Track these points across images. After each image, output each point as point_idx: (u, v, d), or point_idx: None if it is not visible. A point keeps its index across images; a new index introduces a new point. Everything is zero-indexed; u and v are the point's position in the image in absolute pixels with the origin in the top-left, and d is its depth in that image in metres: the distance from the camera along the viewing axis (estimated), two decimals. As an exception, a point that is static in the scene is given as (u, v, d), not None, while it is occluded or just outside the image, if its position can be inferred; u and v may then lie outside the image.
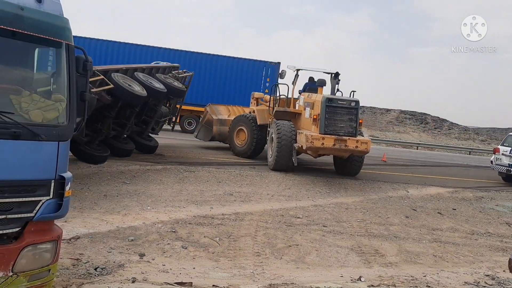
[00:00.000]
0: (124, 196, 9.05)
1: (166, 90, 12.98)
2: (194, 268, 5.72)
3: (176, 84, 14.28)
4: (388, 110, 61.94)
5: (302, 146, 12.73)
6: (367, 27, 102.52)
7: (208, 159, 15.16)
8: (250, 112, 16.86)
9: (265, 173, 13.00)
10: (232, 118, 17.34)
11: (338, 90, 14.64)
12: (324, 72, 15.21)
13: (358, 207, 10.28)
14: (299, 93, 14.93)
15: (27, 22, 3.29)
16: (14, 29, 3.23)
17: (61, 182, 3.52)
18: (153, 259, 5.88)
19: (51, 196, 3.48)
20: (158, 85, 12.77)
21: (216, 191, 10.28)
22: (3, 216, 3.25)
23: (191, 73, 17.25)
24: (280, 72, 14.50)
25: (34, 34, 3.35)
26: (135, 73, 12.42)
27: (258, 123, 15.49)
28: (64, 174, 3.54)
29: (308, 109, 13.49)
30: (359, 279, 5.93)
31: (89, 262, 5.54)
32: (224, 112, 18.40)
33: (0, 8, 3.17)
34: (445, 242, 8.33)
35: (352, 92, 13.92)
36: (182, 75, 16.44)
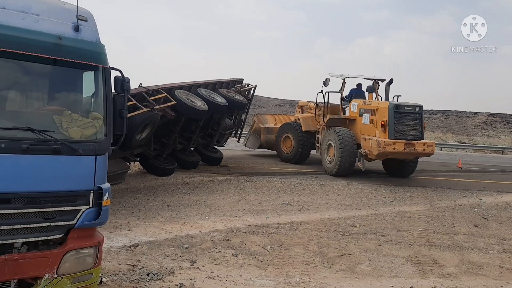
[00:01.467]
0: (185, 206, 9.50)
1: (227, 104, 13.42)
2: (240, 276, 5.90)
3: (238, 97, 14.71)
4: (475, 114, 58.04)
5: (370, 151, 13.08)
6: (449, 28, 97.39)
7: (270, 169, 15.38)
8: (295, 120, 17.62)
9: (327, 182, 12.93)
10: (278, 126, 18.23)
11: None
12: (376, 80, 15.44)
13: (422, 216, 9.88)
14: (345, 100, 15.42)
15: (66, 49, 3.73)
16: (54, 57, 3.68)
17: (99, 193, 3.90)
18: (203, 266, 6.15)
19: (90, 205, 3.86)
20: (220, 99, 13.25)
21: (274, 200, 10.44)
22: (47, 224, 3.67)
23: (254, 85, 17.63)
24: (324, 80, 14.75)
25: (72, 60, 3.78)
26: (198, 89, 13.00)
27: (304, 130, 16.33)
28: (102, 185, 3.91)
29: (366, 115, 13.89)
30: (410, 290, 5.75)
31: (143, 268, 5.92)
32: (271, 121, 19.29)
33: (41, 38, 3.63)
34: (515, 253, 7.76)
35: (397, 97, 14.64)
36: (245, 88, 16.87)
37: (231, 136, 17.87)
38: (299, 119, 17.13)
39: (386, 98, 14.57)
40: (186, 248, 6.86)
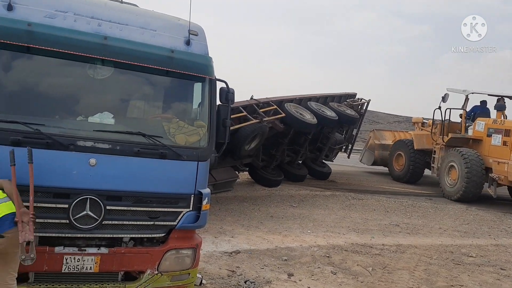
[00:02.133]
0: (288, 218, 9.53)
1: (337, 118, 13.23)
2: (337, 294, 5.71)
3: (349, 112, 14.43)
4: None
5: (505, 177, 11.92)
6: None
7: (381, 187, 14.78)
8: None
9: (442, 205, 12.01)
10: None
11: None
12: (503, 96, 14.11)
13: (555, 252, 8.64)
14: (466, 118, 14.33)
15: (177, 62, 4.02)
16: (166, 69, 3.99)
17: (199, 197, 4.08)
18: (300, 280, 6.07)
19: (190, 208, 4.06)
20: (330, 113, 13.12)
21: (381, 220, 9.97)
22: (152, 223, 3.94)
23: (367, 100, 17.16)
24: (443, 95, 13.78)
25: (182, 71, 4.05)
26: (308, 102, 13.03)
27: (416, 148, 15.56)
28: (202, 190, 4.10)
29: (497, 136, 12.70)
30: (531, 334, 5.04)
31: (242, 275, 6.04)
32: (389, 138, 18.75)
33: (156, 52, 3.95)
34: None
35: None
36: (357, 102, 16.49)
37: (341, 151, 17.54)
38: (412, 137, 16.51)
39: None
40: (285, 260, 6.86)
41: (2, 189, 3.36)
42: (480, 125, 13.49)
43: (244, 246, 7.36)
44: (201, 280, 5.46)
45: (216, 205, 10.15)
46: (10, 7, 3.55)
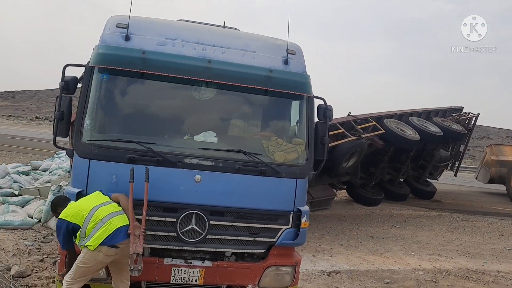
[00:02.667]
0: (390, 239, 9.13)
1: (442, 134, 12.48)
2: (446, 323, 5.31)
3: (455, 127, 13.53)
4: None
5: None
6: None
7: (494, 208, 13.57)
8: None
9: None
10: None
11: None
12: None
13: None
14: None
15: (275, 81, 4.11)
16: (265, 88, 4.10)
17: (298, 214, 4.09)
18: (404, 305, 5.76)
19: (290, 225, 4.08)
20: (434, 129, 12.42)
21: (495, 244, 9.13)
22: (252, 238, 4.02)
23: (475, 114, 15.97)
24: None
25: (280, 90, 4.13)
26: (410, 117, 12.48)
27: None
28: (301, 208, 4.10)
29: None
30: None
31: (341, 295, 5.90)
32: (509, 153, 17.02)
33: (256, 72, 4.09)
34: None
35: None
36: (464, 117, 15.42)
37: (447, 169, 16.46)
38: None
39: None
40: (388, 283, 6.56)
41: (118, 203, 3.68)
42: None
43: (344, 266, 7.18)
44: (300, 299, 5.42)
45: (314, 223, 10.06)
46: (127, 38, 3.93)
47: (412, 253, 8.16)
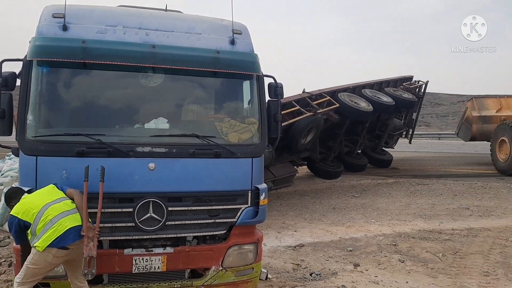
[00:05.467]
0: (351, 209, 9.40)
1: (394, 103, 12.84)
2: (407, 282, 5.55)
3: (406, 95, 13.96)
4: None
5: None
6: None
7: (447, 170, 14.18)
8: None
9: (516, 184, 11.32)
10: (502, 114, 14.88)
11: None
12: None
13: None
14: None
15: (223, 62, 4.09)
16: (213, 69, 4.08)
17: (256, 192, 4.14)
18: (367, 270, 5.97)
19: (249, 204, 4.13)
20: (386, 99, 12.77)
21: (449, 204, 9.57)
22: (212, 220, 4.05)
23: (425, 82, 16.50)
24: None
25: (229, 71, 4.13)
26: (363, 90, 12.75)
27: None
28: (259, 186, 4.15)
29: None
30: None
31: (307, 268, 6.04)
32: (492, 106, 15.61)
33: (202, 54, 4.05)
34: None
35: None
36: (414, 85, 15.91)
37: (401, 137, 17.01)
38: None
39: None
40: (350, 250, 6.77)
41: (72, 199, 3.59)
42: None
43: (308, 239, 7.35)
44: (267, 275, 5.52)
45: (277, 200, 10.22)
46: (65, 28, 3.79)
47: (373, 220, 8.45)
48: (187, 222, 4.00)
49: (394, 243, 7.06)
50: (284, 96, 10.01)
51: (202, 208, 4.02)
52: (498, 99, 15.73)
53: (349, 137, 13.32)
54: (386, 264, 6.23)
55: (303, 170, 13.78)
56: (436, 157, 18.20)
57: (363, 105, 11.81)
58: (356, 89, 12.70)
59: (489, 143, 14.73)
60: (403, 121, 16.41)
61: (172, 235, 3.99)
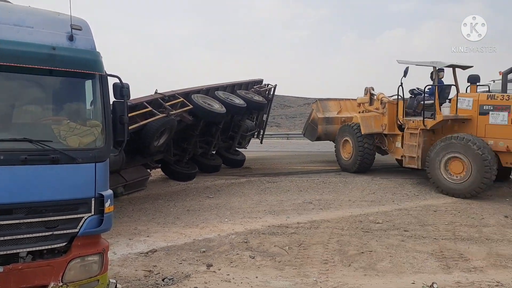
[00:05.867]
0: (205, 210, 9.50)
1: (246, 105, 13.36)
2: (256, 277, 5.81)
3: (257, 98, 14.63)
4: None
5: None
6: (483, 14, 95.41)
7: (294, 168, 15.25)
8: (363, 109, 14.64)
9: (350, 179, 12.71)
10: (342, 115, 15.99)
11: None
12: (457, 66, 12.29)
13: (449, 209, 9.55)
14: (414, 94, 12.73)
15: (60, 59, 3.77)
16: (48, 67, 3.72)
17: (100, 200, 3.90)
18: (219, 269, 6.09)
19: (92, 212, 3.88)
20: (238, 101, 13.21)
21: (295, 200, 10.31)
22: (50, 233, 3.70)
23: (273, 85, 17.51)
24: (404, 70, 11.56)
25: (67, 69, 3.81)
26: (216, 92, 13.01)
27: (363, 133, 13.40)
28: (103, 192, 3.91)
29: (500, 113, 10.54)
30: (432, 285, 5.53)
31: (159, 273, 5.92)
32: (334, 108, 16.58)
33: (35, 50, 3.67)
34: (549, 243, 7.38)
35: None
36: (265, 88, 16.79)
37: (253, 137, 17.80)
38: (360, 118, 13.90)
39: (504, 89, 11.56)
40: (204, 251, 6.83)
41: None
42: (465, 102, 11.20)
43: (161, 244, 7.21)
44: (116, 285, 5.23)
45: (129, 206, 9.83)
46: None
47: (226, 220, 8.66)
48: (19, 236, 3.58)
49: (245, 241, 7.32)
50: (134, 97, 9.63)
51: (37, 220, 3.64)
52: (338, 102, 16.99)
53: (203, 138, 13.46)
54: (238, 261, 6.43)
55: (157, 173, 13.51)
56: (284, 155, 19.46)
57: (217, 106, 12.05)
58: (209, 91, 12.90)
59: (332, 142, 15.95)
60: (254, 122, 17.17)
61: (2, 252, 3.53)
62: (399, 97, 12.48)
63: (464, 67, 12.36)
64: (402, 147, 12.58)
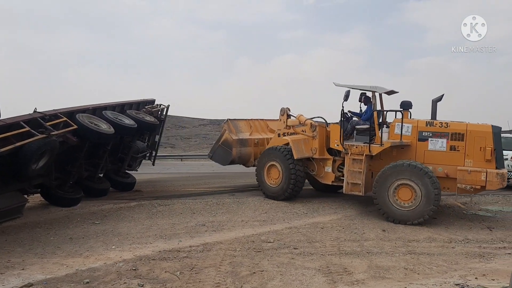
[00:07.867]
0: (90, 237, 8.86)
1: (136, 126, 12.91)
2: (144, 307, 5.51)
3: (148, 118, 14.25)
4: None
5: (481, 186, 10.44)
6: (362, 44, 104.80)
7: (187, 190, 15.02)
8: (283, 133, 13.78)
9: (243, 199, 12.85)
10: (254, 137, 15.12)
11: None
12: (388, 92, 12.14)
13: (335, 225, 10.08)
14: (348, 118, 12.48)
15: None
16: None
17: None
18: (103, 301, 5.67)
19: None
20: (128, 121, 12.73)
21: (188, 222, 10.10)
22: None
23: (166, 106, 17.22)
24: (345, 93, 11.23)
25: None
26: (104, 111, 12.40)
27: (296, 157, 12.54)
28: None
29: (439, 140, 10.85)
30: (319, 301, 5.72)
31: (33, 310, 5.33)
32: (245, 129, 15.46)
33: None
34: (419, 253, 8.11)
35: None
36: (157, 108, 16.43)
37: (145, 159, 17.23)
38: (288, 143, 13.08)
39: (434, 116, 11.44)
40: (87, 283, 6.31)
41: None
42: (404, 128, 11.17)
43: (38, 277, 6.53)
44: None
45: (2, 236, 8.83)
46: None
47: (113, 247, 8.15)
48: None
49: (134, 268, 6.94)
50: (9, 116, 8.82)
51: None
52: (248, 122, 15.83)
53: (89, 160, 12.69)
54: (125, 291, 6.05)
55: (36, 198, 12.36)
56: (178, 177, 19.10)
57: (104, 127, 11.46)
58: (96, 111, 12.25)
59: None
60: (146, 143, 16.66)
61: None
62: (342, 120, 11.92)
63: (390, 93, 12.36)
64: (333, 172, 12.47)
